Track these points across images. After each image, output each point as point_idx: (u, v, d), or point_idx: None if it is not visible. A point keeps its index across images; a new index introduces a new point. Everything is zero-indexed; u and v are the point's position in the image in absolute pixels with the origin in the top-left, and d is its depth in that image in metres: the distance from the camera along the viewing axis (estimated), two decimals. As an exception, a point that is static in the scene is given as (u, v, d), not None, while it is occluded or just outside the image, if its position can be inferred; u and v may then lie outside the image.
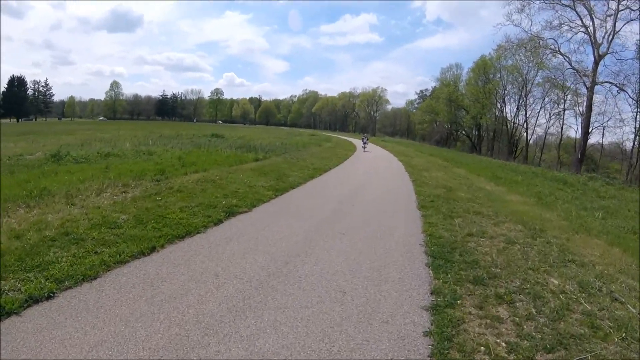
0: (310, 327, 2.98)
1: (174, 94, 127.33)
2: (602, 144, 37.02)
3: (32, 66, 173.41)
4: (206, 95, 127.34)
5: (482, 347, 2.80)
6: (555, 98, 37.92)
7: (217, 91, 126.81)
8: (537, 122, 41.74)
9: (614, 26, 27.16)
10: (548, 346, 2.86)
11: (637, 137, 30.32)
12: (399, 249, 5.12)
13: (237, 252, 4.59)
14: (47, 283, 3.33)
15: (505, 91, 44.55)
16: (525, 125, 42.27)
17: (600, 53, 28.00)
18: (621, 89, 28.16)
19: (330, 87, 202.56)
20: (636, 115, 29.64)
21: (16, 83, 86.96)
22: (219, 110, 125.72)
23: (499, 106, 45.74)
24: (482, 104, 44.67)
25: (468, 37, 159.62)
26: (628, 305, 3.64)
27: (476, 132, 50.26)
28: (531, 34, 31.56)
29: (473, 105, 46.31)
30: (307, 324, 3.02)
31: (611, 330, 3.14)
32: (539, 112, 41.08)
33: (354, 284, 3.85)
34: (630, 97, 28.60)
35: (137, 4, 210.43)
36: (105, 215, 5.43)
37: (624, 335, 3.06)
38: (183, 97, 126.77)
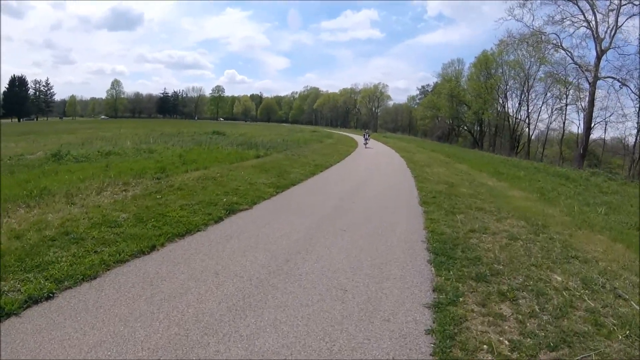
0: (310, 326, 2.95)
1: (175, 91, 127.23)
2: (604, 140, 36.89)
3: (32, 66, 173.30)
4: (207, 92, 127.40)
5: (484, 346, 2.77)
6: (558, 93, 37.83)
7: (218, 88, 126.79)
8: (539, 117, 41.67)
9: (617, 21, 27.01)
10: (551, 344, 2.82)
11: (640, 133, 30.17)
12: (400, 245, 5.08)
13: (237, 250, 4.56)
14: (46, 283, 3.32)
15: (507, 86, 44.36)
16: (527, 120, 42.15)
17: (602, 48, 27.83)
18: (623, 84, 28.03)
19: (332, 83, 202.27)
20: (639, 110, 29.57)
21: (17, 83, 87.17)
22: (220, 107, 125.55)
23: (501, 101, 45.57)
24: (484, 100, 44.48)
25: (470, 33, 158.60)
26: (632, 302, 3.60)
27: (478, 128, 50.10)
28: (533, 28, 31.46)
29: (475, 101, 46.11)
30: (307, 323, 2.99)
31: (615, 328, 3.11)
32: (541, 107, 40.99)
33: (355, 282, 3.82)
34: (633, 92, 28.52)
35: (137, 2, 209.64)
36: (105, 214, 5.41)
37: (627, 332, 3.03)
38: (184, 95, 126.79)
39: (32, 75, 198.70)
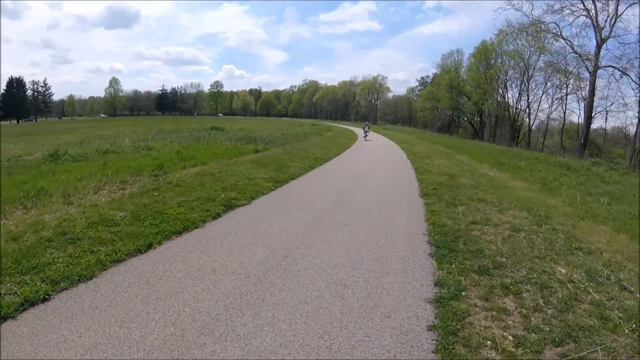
0: (309, 324, 2.88)
1: (173, 88, 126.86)
2: (605, 129, 36.68)
3: (30, 66, 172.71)
4: (206, 88, 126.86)
5: (488, 342, 2.70)
6: (558, 83, 37.56)
7: (217, 84, 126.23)
8: (540, 107, 41.40)
9: (616, 9, 26.73)
10: (557, 339, 2.75)
11: (641, 122, 29.93)
12: (401, 239, 5.01)
13: (235, 246, 4.50)
14: (42, 285, 3.28)
15: (507, 76, 43.99)
16: (527, 110, 41.90)
17: (602, 37, 27.57)
18: (624, 73, 27.74)
19: (331, 76, 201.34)
20: (639, 99, 29.24)
21: (15, 84, 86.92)
22: (219, 103, 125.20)
23: (501, 92, 45.24)
24: (484, 90, 44.19)
25: (469, 23, 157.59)
26: (637, 294, 3.52)
27: (478, 119, 49.83)
28: (532, 18, 31.19)
29: (474, 91, 45.83)
30: (306, 321, 2.93)
31: (621, 321, 3.03)
32: (541, 97, 40.70)
33: (355, 277, 3.75)
34: (634, 81, 28.19)
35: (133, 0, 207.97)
36: (102, 213, 5.35)
37: (634, 326, 2.95)
38: (183, 91, 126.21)
39: (31, 75, 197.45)
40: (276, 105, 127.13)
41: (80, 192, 6.64)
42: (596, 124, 33.93)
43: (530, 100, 41.41)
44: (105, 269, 3.73)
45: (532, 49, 38.48)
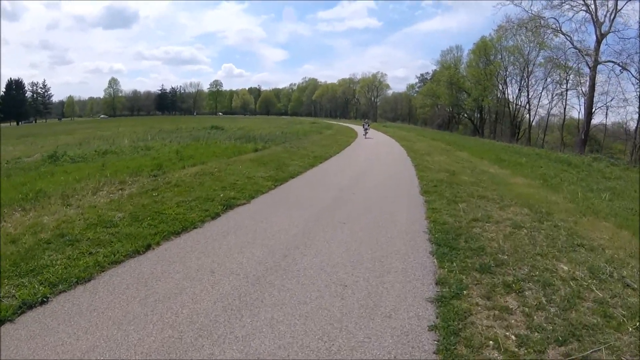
0: (308, 325, 2.84)
1: (172, 88, 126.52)
2: (605, 125, 36.53)
3: (30, 67, 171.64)
4: (205, 87, 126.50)
5: (490, 342, 2.66)
6: (558, 78, 37.33)
7: (216, 83, 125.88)
8: (540, 103, 41.20)
9: (616, 4, 26.62)
10: (560, 338, 2.71)
11: (641, 117, 29.82)
12: (401, 237, 4.97)
13: (234, 246, 4.46)
14: (41, 288, 3.27)
15: (507, 72, 43.82)
16: (527, 106, 41.75)
17: (602, 32, 27.44)
18: (624, 68, 27.64)
19: (331, 74, 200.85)
20: (639, 94, 29.11)
21: (14, 86, 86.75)
22: (219, 102, 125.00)
23: (501, 88, 45.11)
24: (484, 86, 44.05)
25: (468, 19, 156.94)
26: (641, 291, 3.48)
27: (478, 115, 49.67)
28: (532, 13, 31.16)
29: (474, 88, 45.68)
30: (305, 322, 2.89)
31: (624, 319, 2.99)
32: (541, 93, 40.48)
33: (355, 276, 3.71)
34: (634, 76, 28.07)
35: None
36: (100, 214, 5.33)
37: (638, 324, 2.90)
38: (182, 91, 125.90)
39: (30, 77, 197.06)
40: (276, 103, 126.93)
41: (79, 193, 6.62)
42: (596, 119, 33.82)
43: (530, 96, 41.32)
44: (103, 271, 3.71)
45: (531, 45, 38.31)
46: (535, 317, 3.00)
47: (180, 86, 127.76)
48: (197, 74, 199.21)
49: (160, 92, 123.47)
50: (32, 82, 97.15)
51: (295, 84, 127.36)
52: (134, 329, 2.76)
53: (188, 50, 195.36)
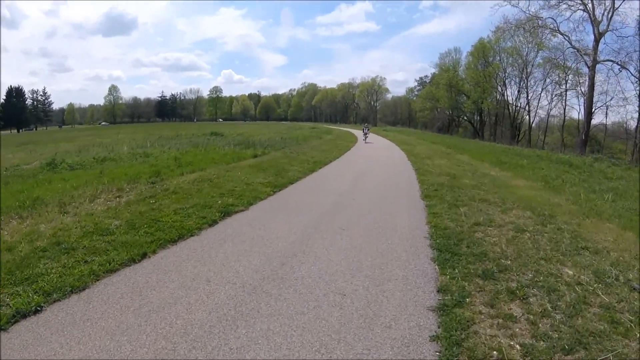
0: (305, 336, 2.75)
1: (172, 94, 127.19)
2: (605, 124, 36.42)
3: (29, 75, 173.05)
4: (205, 93, 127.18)
5: (494, 352, 2.56)
6: (557, 79, 37.30)
7: (216, 89, 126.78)
8: (539, 104, 41.08)
9: (613, 3, 26.59)
10: (566, 347, 2.62)
11: (641, 116, 29.73)
12: (402, 243, 4.87)
13: (231, 254, 4.37)
14: (35, 296, 3.23)
15: (506, 74, 43.77)
16: (527, 108, 41.67)
17: (600, 31, 27.43)
18: (623, 66, 27.53)
19: (330, 78, 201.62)
20: (639, 93, 29.03)
21: (14, 94, 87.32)
22: (219, 108, 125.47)
23: (500, 89, 45.05)
24: (483, 88, 44.06)
25: (466, 20, 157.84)
26: (648, 295, 3.39)
27: (478, 117, 49.65)
28: (529, 13, 31.15)
29: (473, 90, 45.69)
30: (302, 333, 2.79)
31: (632, 325, 2.90)
32: (540, 93, 40.40)
33: (355, 285, 3.61)
34: (633, 74, 27.96)
35: (130, 6, 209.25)
36: (97, 222, 5.28)
37: (646, 329, 2.81)
38: (182, 97, 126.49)
39: (30, 84, 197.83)
40: (275, 109, 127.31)
41: (76, 200, 6.58)
42: (596, 119, 33.69)
43: (529, 98, 41.24)
44: (98, 280, 3.66)
45: (530, 46, 38.36)
46: (540, 325, 2.90)
47: (180, 93, 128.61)
48: (197, 80, 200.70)
49: (160, 98, 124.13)
50: (32, 90, 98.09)
51: (294, 89, 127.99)
52: (127, 339, 2.70)
53: (187, 57, 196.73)
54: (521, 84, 41.78)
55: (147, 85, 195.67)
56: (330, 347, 2.63)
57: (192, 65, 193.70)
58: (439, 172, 11.19)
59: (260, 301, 3.27)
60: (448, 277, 3.76)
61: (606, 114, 33.71)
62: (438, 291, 3.48)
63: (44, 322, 2.94)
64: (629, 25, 27.18)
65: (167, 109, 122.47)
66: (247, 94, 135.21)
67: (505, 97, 44.69)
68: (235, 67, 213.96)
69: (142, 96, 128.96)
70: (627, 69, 27.68)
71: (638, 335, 2.76)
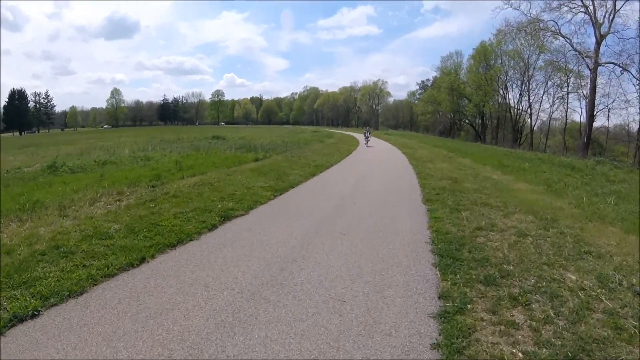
0: (303, 344, 2.71)
1: (175, 98, 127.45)
2: (607, 127, 36.30)
3: (32, 78, 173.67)
4: (207, 97, 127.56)
5: (496, 360, 2.52)
6: (558, 81, 37.32)
7: (218, 93, 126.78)
8: (541, 107, 41.14)
9: (614, 5, 26.60)
10: (569, 354, 2.57)
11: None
12: (403, 248, 4.82)
13: (230, 259, 4.34)
14: (32, 301, 3.22)
15: (507, 77, 43.81)
16: (529, 111, 41.66)
17: (601, 33, 27.40)
18: (625, 69, 27.52)
19: (332, 82, 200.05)
20: (641, 95, 28.91)
21: (17, 96, 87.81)
22: (221, 111, 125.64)
23: (502, 93, 45.02)
24: (485, 91, 44.04)
25: (467, 24, 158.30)
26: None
27: (480, 121, 49.62)
28: (531, 16, 31.19)
29: (475, 93, 45.66)
30: (300, 340, 2.75)
31: (636, 331, 2.85)
32: (542, 96, 40.43)
33: (354, 291, 3.57)
34: (634, 77, 27.91)
35: (133, 9, 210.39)
36: (97, 226, 5.26)
37: (651, 336, 2.76)
38: (184, 101, 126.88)
39: (32, 87, 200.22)
40: (277, 112, 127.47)
41: (76, 204, 6.56)
42: (598, 122, 33.61)
43: (531, 101, 41.23)
44: (96, 284, 3.64)
45: (531, 48, 38.44)
46: (543, 332, 2.85)
47: (183, 96, 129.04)
48: (199, 84, 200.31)
49: (162, 102, 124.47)
50: (35, 93, 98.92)
51: (296, 93, 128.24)
52: (124, 345, 2.67)
53: (189, 61, 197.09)
54: (523, 86, 41.84)
55: (150, 88, 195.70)
56: (329, 355, 2.59)
57: (195, 69, 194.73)
58: (441, 176, 11.14)
59: (258, 307, 3.23)
60: (449, 283, 3.71)
61: (608, 116, 33.71)
62: (439, 297, 3.43)
63: (40, 326, 2.92)
64: (631, 27, 27.14)
65: (169, 113, 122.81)
66: (249, 98, 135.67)
67: (507, 100, 44.73)
68: (237, 70, 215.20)
69: (144, 99, 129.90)
70: (629, 71, 27.69)
71: (642, 342, 2.71)
